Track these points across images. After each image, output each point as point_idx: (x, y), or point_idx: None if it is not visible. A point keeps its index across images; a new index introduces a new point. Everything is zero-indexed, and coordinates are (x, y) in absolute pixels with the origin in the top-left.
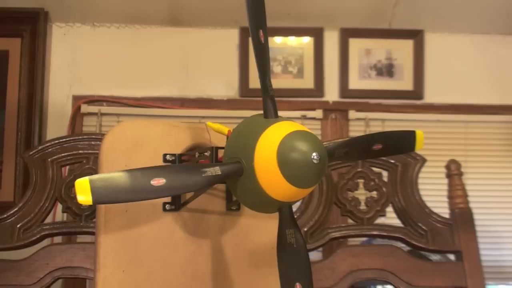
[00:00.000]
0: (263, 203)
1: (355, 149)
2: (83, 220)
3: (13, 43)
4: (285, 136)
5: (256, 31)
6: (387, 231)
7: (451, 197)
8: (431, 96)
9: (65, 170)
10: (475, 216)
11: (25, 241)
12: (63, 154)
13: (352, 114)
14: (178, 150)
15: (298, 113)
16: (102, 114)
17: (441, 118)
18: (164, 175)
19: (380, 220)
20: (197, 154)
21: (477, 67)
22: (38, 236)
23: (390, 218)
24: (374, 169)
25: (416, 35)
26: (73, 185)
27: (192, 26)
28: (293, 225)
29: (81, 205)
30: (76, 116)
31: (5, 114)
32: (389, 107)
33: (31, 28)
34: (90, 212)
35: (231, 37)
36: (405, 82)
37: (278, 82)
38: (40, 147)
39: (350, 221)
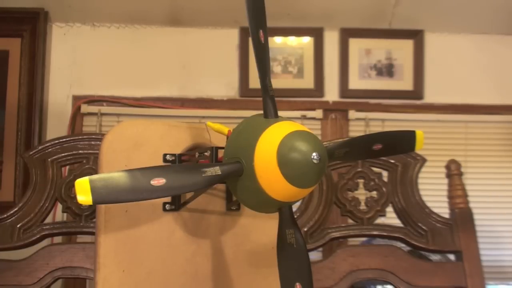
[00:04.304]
0: (263, 203)
1: (355, 149)
2: (83, 220)
3: (13, 43)
4: (285, 136)
5: (256, 31)
6: (387, 231)
7: (451, 197)
8: (431, 96)
9: (65, 170)
10: (475, 216)
11: (25, 241)
12: (63, 154)
13: (352, 114)
14: (178, 150)
15: (298, 113)
16: (102, 114)
17: (441, 118)
18: (164, 175)
19: (380, 220)
20: (197, 154)
21: (477, 67)
22: (38, 236)
23: (390, 218)
24: (374, 169)
25: (416, 35)
26: (73, 185)
27: (192, 26)
28: (293, 225)
29: (81, 205)
30: (76, 116)
31: (5, 114)
32: (389, 107)
33: (31, 28)
34: (90, 212)
35: (231, 37)
36: (405, 82)
37: (278, 82)
38: (40, 147)
39: (350, 221)
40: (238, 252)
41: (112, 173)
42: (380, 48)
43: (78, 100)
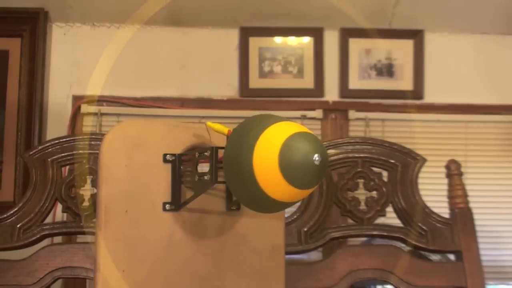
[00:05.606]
0: (263, 203)
1: None
2: (83, 220)
3: (13, 43)
4: (288, 137)
5: None
6: (387, 231)
7: (451, 197)
8: (431, 96)
9: (65, 170)
10: (475, 216)
11: (25, 241)
12: (63, 154)
13: (352, 114)
14: (178, 150)
15: (298, 113)
16: (102, 114)
17: (441, 118)
18: None
19: (380, 220)
20: (197, 154)
21: (477, 67)
22: (38, 236)
23: (390, 218)
24: (374, 169)
25: (416, 35)
26: (73, 185)
27: (192, 26)
28: None
29: (81, 205)
30: (76, 116)
31: (5, 114)
32: (389, 107)
33: (31, 28)
34: (90, 213)
35: (231, 37)
36: (405, 82)
37: (278, 82)
38: (40, 147)
39: (350, 221)
40: (238, 252)
41: None
42: (380, 48)
43: (78, 100)
